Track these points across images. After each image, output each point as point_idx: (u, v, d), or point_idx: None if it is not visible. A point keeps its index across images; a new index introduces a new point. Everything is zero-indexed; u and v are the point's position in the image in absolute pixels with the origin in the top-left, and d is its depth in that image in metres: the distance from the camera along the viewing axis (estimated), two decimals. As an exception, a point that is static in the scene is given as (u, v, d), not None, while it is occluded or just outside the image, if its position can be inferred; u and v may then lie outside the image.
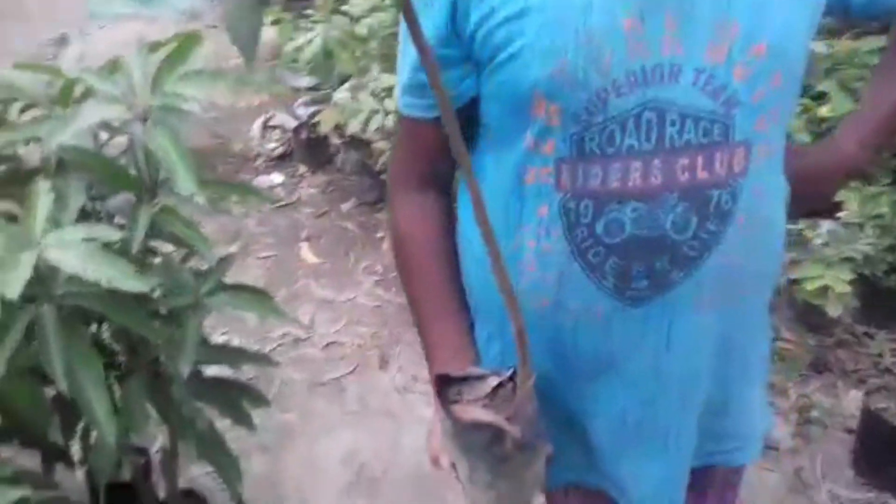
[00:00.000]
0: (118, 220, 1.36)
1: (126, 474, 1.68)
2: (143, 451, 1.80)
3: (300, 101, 3.67)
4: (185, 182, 1.09)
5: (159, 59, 1.22)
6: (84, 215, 1.24)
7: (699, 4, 0.76)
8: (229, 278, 2.64)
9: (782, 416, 2.34)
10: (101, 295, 1.11)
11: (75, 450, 1.48)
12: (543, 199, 0.85)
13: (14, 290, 0.95)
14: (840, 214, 2.40)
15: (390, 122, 2.65)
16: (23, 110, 1.34)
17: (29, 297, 1.08)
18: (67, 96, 1.25)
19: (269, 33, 4.00)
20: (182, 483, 2.10)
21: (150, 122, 1.16)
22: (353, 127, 2.73)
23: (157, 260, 1.33)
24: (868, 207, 2.44)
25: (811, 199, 1.01)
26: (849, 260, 2.40)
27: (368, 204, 3.37)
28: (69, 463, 1.45)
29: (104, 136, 1.33)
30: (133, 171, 1.25)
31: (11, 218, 1.20)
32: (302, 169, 3.61)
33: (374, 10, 3.01)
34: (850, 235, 2.46)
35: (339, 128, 3.19)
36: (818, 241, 2.54)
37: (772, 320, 2.59)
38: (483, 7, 0.80)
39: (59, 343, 1.05)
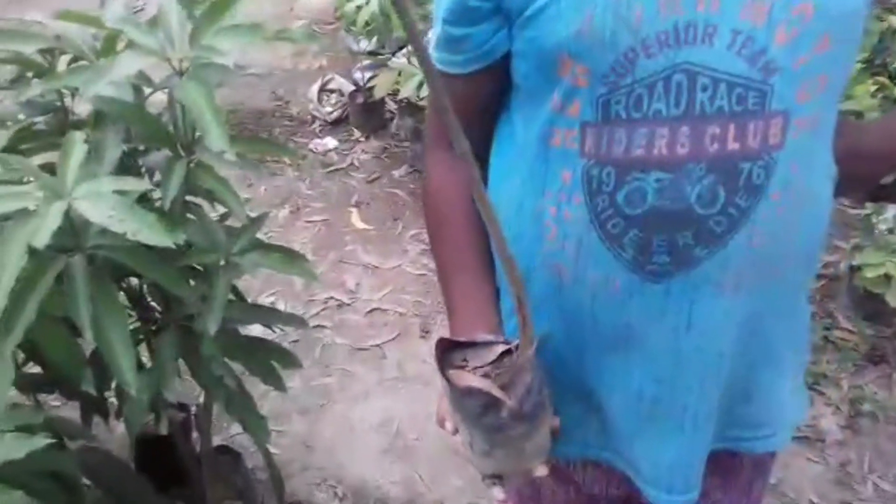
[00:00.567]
0: (157, 177, 1.37)
1: (165, 428, 1.72)
2: (183, 408, 1.83)
3: (359, 65, 3.66)
4: (216, 138, 1.08)
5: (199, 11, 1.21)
6: (123, 170, 1.24)
7: None
8: (278, 240, 2.67)
9: (833, 406, 2.26)
10: (131, 249, 1.12)
11: (113, 402, 1.51)
12: (567, 164, 0.82)
13: (42, 240, 0.95)
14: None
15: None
16: (70, 62, 1.35)
17: (61, 248, 1.09)
18: (111, 48, 1.26)
19: (331, -6, 3.99)
20: (221, 440, 2.15)
21: (186, 77, 1.15)
22: (407, 91, 2.70)
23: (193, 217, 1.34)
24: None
25: (866, 180, 0.94)
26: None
27: (420, 171, 3.34)
28: (105, 414, 1.48)
29: (147, 91, 1.33)
30: (170, 127, 1.25)
31: (55, 170, 1.22)
32: (356, 134, 3.61)
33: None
34: (917, 222, 2.35)
35: (394, 93, 3.18)
36: (883, 226, 2.43)
37: (829, 308, 2.51)
38: None
39: (87, 293, 1.06)
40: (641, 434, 0.93)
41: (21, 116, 1.37)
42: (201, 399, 2.00)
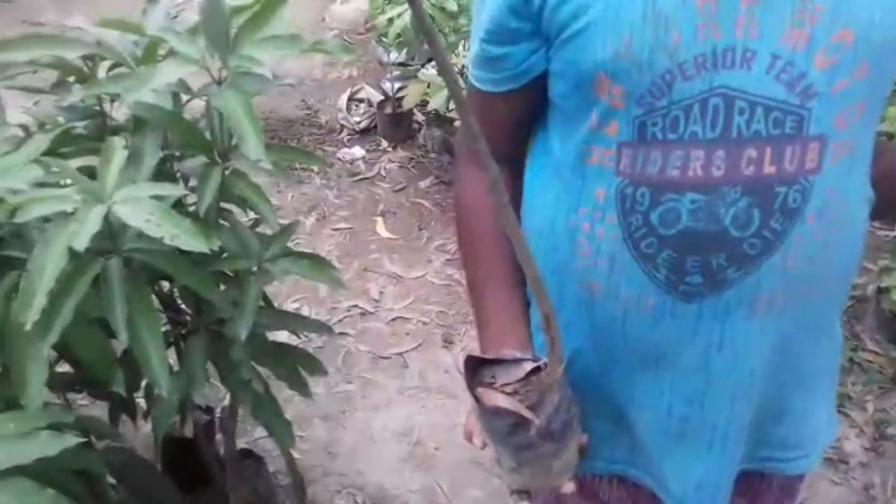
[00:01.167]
0: (192, 183, 1.39)
1: (190, 430, 1.74)
2: (209, 410, 1.85)
3: (388, 75, 3.69)
4: (253, 147, 1.10)
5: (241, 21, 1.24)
6: (160, 175, 1.27)
7: None
8: (304, 247, 2.70)
9: (857, 428, 2.24)
10: (166, 253, 1.14)
11: (140, 403, 1.53)
12: (602, 182, 0.82)
13: (82, 243, 0.97)
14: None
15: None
16: (111, 68, 1.38)
17: (99, 251, 1.11)
18: (152, 56, 1.28)
19: (362, 5, 4.04)
20: (244, 443, 2.17)
21: (224, 85, 1.18)
22: (436, 103, 2.72)
23: (226, 224, 1.36)
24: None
25: (892, 205, 0.94)
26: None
27: (446, 182, 3.36)
28: (133, 415, 1.50)
29: (185, 98, 1.36)
30: (208, 134, 1.28)
31: (93, 174, 1.25)
32: (384, 143, 3.64)
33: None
34: (947, 245, 2.32)
35: (423, 104, 3.20)
36: (912, 249, 2.41)
37: (855, 329, 2.49)
38: None
39: (122, 296, 1.08)
40: (670, 452, 0.93)
41: (61, 120, 1.40)
42: (226, 402, 2.03)
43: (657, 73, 0.74)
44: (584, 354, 0.91)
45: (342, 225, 3.19)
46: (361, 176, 3.45)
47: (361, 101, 3.77)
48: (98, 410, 1.67)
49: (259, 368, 1.42)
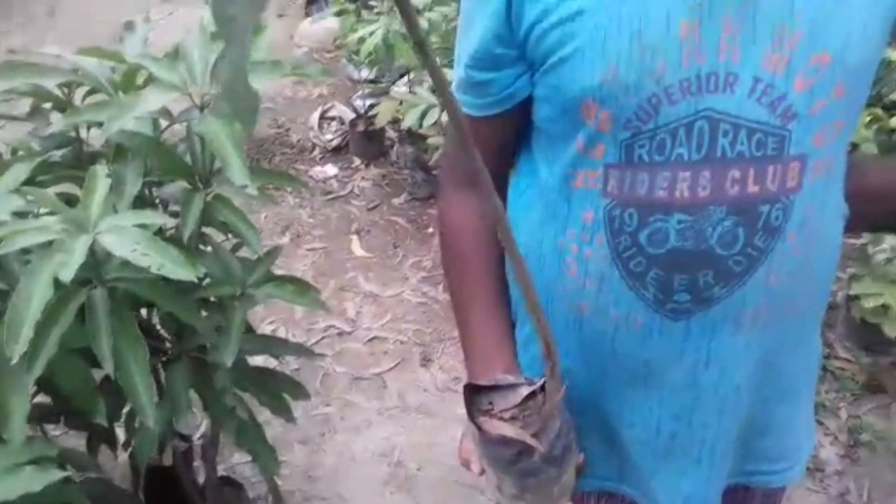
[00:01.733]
0: (172, 207, 1.39)
1: (168, 459, 1.72)
2: (185, 438, 1.83)
3: (358, 93, 3.70)
4: (237, 172, 1.10)
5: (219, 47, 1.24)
6: (139, 201, 1.26)
7: (760, 9, 0.73)
8: (279, 268, 2.68)
9: (831, 436, 2.28)
10: (151, 281, 1.13)
11: (120, 433, 1.51)
12: (589, 204, 0.84)
13: (68, 274, 0.97)
14: (903, 231, 2.32)
15: (446, 117, 2.65)
16: (86, 95, 1.37)
17: (82, 280, 1.10)
18: (130, 82, 1.28)
19: (331, 24, 4.04)
20: (222, 470, 2.14)
21: (207, 111, 1.18)
22: (410, 121, 2.73)
23: (208, 248, 1.35)
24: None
25: (873, 216, 0.97)
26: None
27: (420, 199, 3.37)
28: (114, 445, 1.48)
29: (164, 123, 1.35)
30: (189, 160, 1.27)
31: (71, 201, 1.24)
32: (356, 161, 3.64)
33: (437, 3, 3.01)
34: (913, 253, 2.38)
35: (395, 121, 3.21)
36: (880, 256, 2.46)
37: (826, 337, 2.53)
38: (537, 7, 0.78)
39: (108, 326, 1.07)
40: (659, 468, 0.94)
41: (35, 146, 1.39)
42: (202, 429, 2.00)
43: (644, 98, 0.76)
44: (573, 373, 0.92)
45: (317, 244, 3.18)
46: (335, 194, 3.45)
47: (333, 119, 3.77)
48: (72, 440, 1.64)
49: (241, 394, 1.41)
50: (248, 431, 1.41)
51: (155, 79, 1.21)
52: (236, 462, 2.23)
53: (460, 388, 2.52)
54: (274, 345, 1.53)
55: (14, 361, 0.96)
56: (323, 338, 2.73)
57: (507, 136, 0.95)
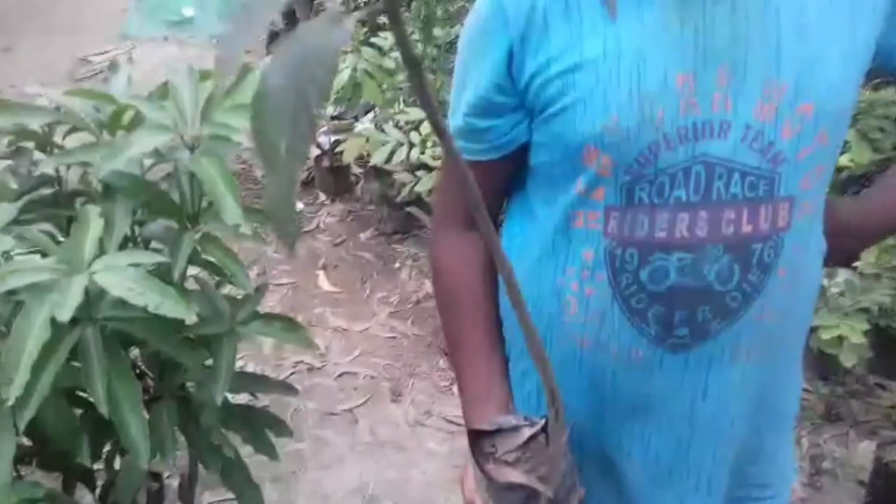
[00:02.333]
0: (154, 245, 1.38)
1: (141, 500, 1.69)
2: (157, 477, 1.80)
3: (322, 129, 3.71)
4: (231, 211, 1.11)
5: (207, 88, 1.26)
6: (124, 240, 1.26)
7: (751, 63, 0.78)
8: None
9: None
10: (143, 320, 1.13)
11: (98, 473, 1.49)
12: (590, 244, 0.87)
13: (66, 314, 0.97)
14: (857, 264, 2.42)
15: (414, 154, 2.69)
16: (66, 134, 1.37)
17: (73, 320, 1.10)
18: (117, 122, 1.28)
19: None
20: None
21: (199, 152, 1.19)
22: (378, 158, 2.76)
23: (193, 286, 1.35)
24: (884, 259, 2.46)
25: (843, 252, 1.02)
26: (864, 310, 2.41)
27: (387, 235, 3.39)
28: (92, 486, 1.45)
29: (147, 161, 1.36)
30: (176, 198, 1.28)
31: (51, 241, 1.23)
32: (322, 197, 3.65)
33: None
34: (866, 286, 2.47)
35: (361, 157, 3.23)
36: (835, 290, 2.55)
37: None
38: (539, 58, 0.82)
39: (101, 365, 1.07)
40: (658, 497, 0.97)
41: (12, 185, 1.38)
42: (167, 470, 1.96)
43: (644, 145, 0.80)
44: (572, 406, 0.94)
45: (284, 280, 3.17)
46: (301, 230, 3.45)
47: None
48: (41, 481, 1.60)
49: (224, 431, 1.41)
50: (233, 470, 1.40)
51: (143, 119, 1.22)
52: (207, 502, 2.20)
53: (431, 423, 2.54)
54: (256, 382, 1.53)
55: (10, 403, 0.95)
56: (292, 373, 2.72)
57: (502, 181, 0.98)
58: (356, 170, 3.66)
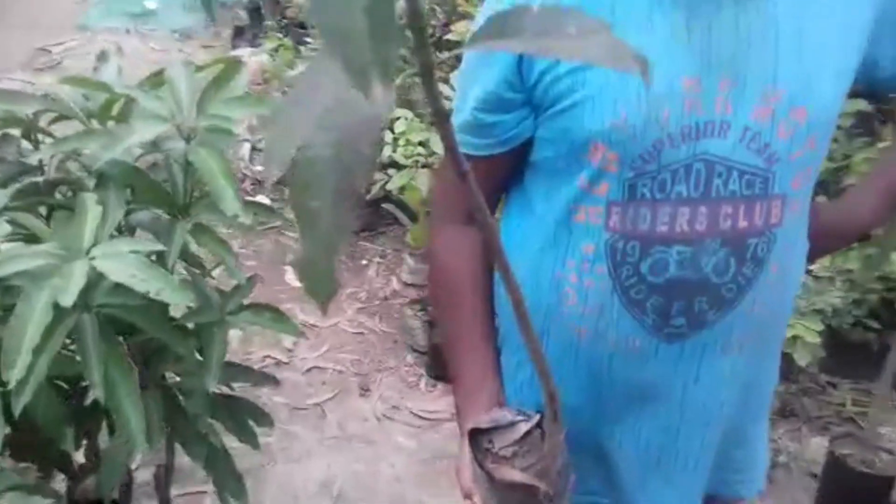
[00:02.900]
0: (140, 234, 1.39)
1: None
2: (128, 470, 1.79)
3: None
4: (230, 202, 1.13)
5: (200, 80, 1.27)
6: (117, 229, 1.26)
7: (750, 71, 0.83)
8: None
9: (752, 459, 2.42)
10: (138, 307, 1.14)
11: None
12: (590, 237, 0.91)
13: (69, 298, 0.97)
14: (812, 268, 2.52)
15: (387, 152, 2.71)
16: (51, 122, 1.36)
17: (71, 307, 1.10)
18: (107, 112, 1.29)
19: (260, 57, 4.06)
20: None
21: (196, 143, 1.20)
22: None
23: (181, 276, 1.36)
24: (838, 262, 2.56)
25: (824, 251, 1.08)
26: (818, 311, 2.51)
27: (354, 232, 3.40)
28: (75, 476, 1.45)
29: (136, 151, 1.36)
30: (168, 188, 1.29)
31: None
32: (288, 192, 3.64)
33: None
34: (820, 288, 2.57)
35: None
36: (790, 292, 2.64)
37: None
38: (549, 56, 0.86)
39: (98, 352, 1.07)
40: (648, 479, 1.02)
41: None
42: (137, 461, 1.95)
43: (649, 142, 0.84)
44: (568, 395, 0.98)
45: (250, 275, 3.15)
46: (268, 225, 3.44)
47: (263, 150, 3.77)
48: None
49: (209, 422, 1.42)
50: (218, 460, 1.41)
51: (133, 109, 1.22)
52: (175, 494, 2.19)
53: (400, 417, 2.56)
54: (239, 373, 1.53)
55: (11, 386, 0.96)
56: (260, 367, 2.70)
57: (503, 176, 1.01)
58: (322, 166, 3.67)
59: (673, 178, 0.85)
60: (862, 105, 2.44)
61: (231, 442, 1.58)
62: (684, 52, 0.83)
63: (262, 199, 3.58)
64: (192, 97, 1.23)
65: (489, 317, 1.06)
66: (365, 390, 2.67)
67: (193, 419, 1.32)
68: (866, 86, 0.95)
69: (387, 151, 2.77)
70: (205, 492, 2.26)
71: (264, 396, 2.60)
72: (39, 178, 1.32)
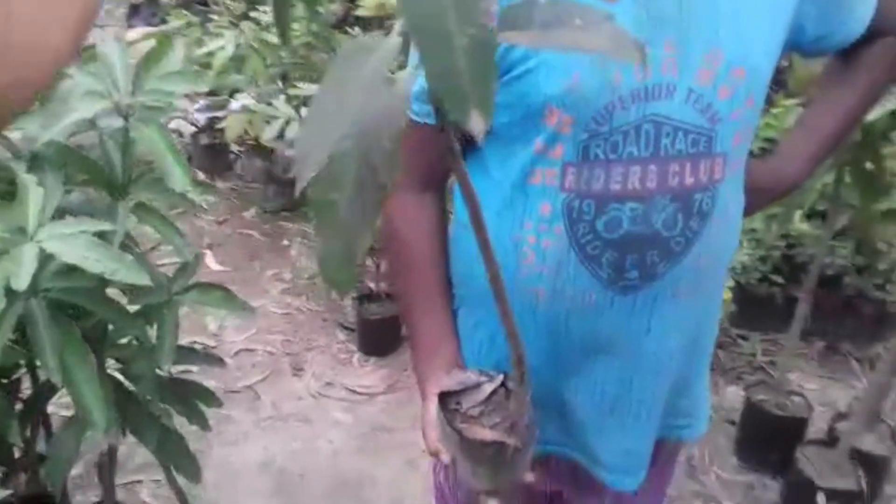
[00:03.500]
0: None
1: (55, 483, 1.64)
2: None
3: (196, 106, 3.62)
4: (179, 179, 1.12)
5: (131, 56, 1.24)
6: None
7: (693, 34, 0.88)
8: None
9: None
10: (87, 290, 1.12)
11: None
12: (547, 199, 0.95)
13: (23, 282, 0.95)
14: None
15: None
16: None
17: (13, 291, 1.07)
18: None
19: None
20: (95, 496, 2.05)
21: (136, 119, 1.18)
22: (269, 134, 2.74)
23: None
24: (744, 222, 2.70)
25: (757, 206, 1.16)
26: (730, 269, 2.65)
27: (272, 212, 3.37)
28: (25, 468, 1.41)
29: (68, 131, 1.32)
30: (105, 168, 1.25)
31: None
32: (201, 175, 3.56)
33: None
34: (729, 247, 2.71)
35: (240, 135, 3.19)
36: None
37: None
38: None
39: (51, 336, 1.05)
40: (603, 427, 1.07)
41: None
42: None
43: (601, 105, 0.88)
44: (527, 352, 1.02)
45: (167, 260, 3.06)
46: (182, 209, 3.36)
47: (171, 132, 3.67)
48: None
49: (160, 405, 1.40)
50: (170, 442, 1.39)
51: (74, 86, 1.19)
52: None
53: (334, 393, 2.57)
54: (188, 355, 1.51)
55: (-33, 376, 0.93)
56: (187, 354, 2.66)
57: (459, 143, 1.03)
58: (235, 147, 3.60)
59: (624, 138, 0.90)
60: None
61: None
62: (631, 18, 0.87)
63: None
64: (127, 73, 1.20)
65: (445, 281, 1.10)
66: (297, 370, 2.66)
67: (145, 403, 1.30)
68: (792, 48, 1.02)
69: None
70: (140, 481, 2.22)
71: (195, 381, 2.56)
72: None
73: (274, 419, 2.48)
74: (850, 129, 1.15)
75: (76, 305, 1.12)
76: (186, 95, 3.90)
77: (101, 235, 1.18)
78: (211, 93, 3.68)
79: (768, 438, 2.31)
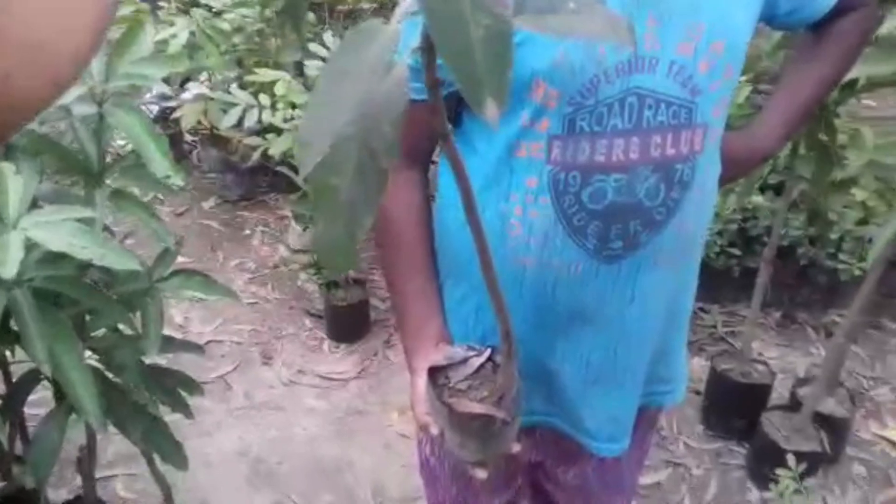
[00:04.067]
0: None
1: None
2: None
3: (148, 96, 3.55)
4: (159, 163, 1.11)
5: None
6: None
7: (675, 8, 0.91)
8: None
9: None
10: (71, 278, 1.11)
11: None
12: (533, 171, 0.97)
13: (10, 270, 0.93)
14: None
15: (266, 117, 2.65)
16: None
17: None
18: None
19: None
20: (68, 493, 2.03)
21: (111, 104, 1.16)
22: (227, 122, 2.71)
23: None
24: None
25: (729, 179, 1.19)
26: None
27: (231, 202, 3.34)
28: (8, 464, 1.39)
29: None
30: (80, 156, 1.24)
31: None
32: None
33: (238, 5, 3.01)
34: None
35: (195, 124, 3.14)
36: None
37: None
38: None
39: (37, 325, 1.04)
40: (588, 395, 1.10)
41: None
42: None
43: (587, 78, 0.90)
44: (515, 322, 1.05)
45: (141, 251, 3.03)
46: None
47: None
48: None
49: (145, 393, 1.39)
50: (156, 430, 1.39)
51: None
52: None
53: (306, 381, 2.57)
54: (170, 343, 1.50)
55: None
56: (154, 346, 2.64)
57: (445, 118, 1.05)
58: (189, 137, 3.55)
59: (609, 111, 0.92)
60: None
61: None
62: None
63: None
64: (100, 59, 1.19)
65: (431, 257, 1.11)
66: (267, 359, 2.65)
67: (129, 392, 1.29)
68: (764, 21, 1.06)
69: (266, 116, 2.72)
70: (115, 475, 2.20)
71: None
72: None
73: (247, 408, 2.47)
74: (821, 100, 1.19)
75: (58, 294, 1.11)
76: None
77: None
78: (163, 81, 3.63)
79: (734, 406, 2.38)
